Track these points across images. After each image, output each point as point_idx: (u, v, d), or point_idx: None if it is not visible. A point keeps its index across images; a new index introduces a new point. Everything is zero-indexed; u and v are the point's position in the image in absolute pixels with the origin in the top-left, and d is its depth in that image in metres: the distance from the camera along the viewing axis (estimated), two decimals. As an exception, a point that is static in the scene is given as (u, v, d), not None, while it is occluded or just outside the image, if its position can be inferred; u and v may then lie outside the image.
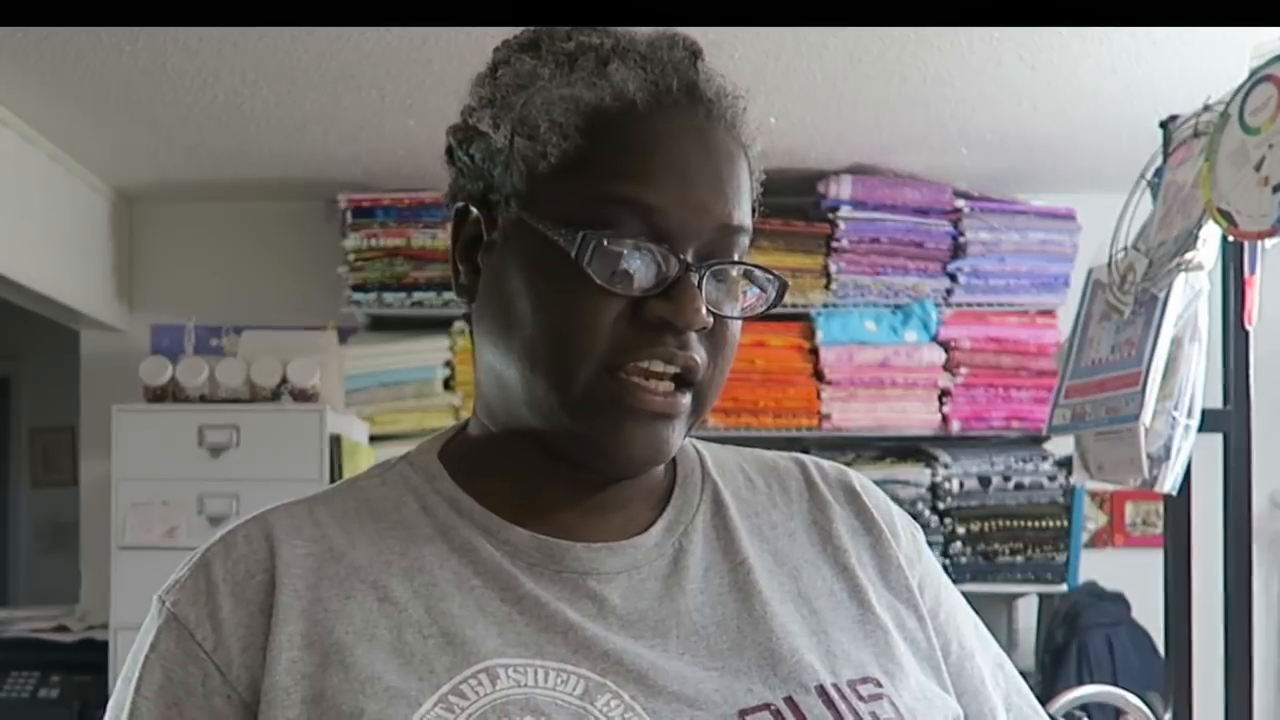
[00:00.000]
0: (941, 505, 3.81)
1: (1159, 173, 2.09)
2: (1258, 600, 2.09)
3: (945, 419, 3.88)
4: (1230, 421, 2.07)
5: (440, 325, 3.83)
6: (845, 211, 3.83)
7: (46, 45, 2.93)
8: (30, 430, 5.76)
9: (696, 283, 0.85)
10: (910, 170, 3.87)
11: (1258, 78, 1.83)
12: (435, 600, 0.85)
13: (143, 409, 3.54)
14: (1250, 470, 2.06)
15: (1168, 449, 1.98)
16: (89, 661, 3.63)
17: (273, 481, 3.19)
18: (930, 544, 1.13)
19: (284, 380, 3.54)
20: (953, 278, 3.90)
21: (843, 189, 3.83)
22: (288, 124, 3.48)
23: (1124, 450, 1.99)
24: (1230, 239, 1.97)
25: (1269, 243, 1.86)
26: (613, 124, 0.85)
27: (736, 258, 0.88)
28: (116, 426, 3.52)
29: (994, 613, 3.87)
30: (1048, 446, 3.87)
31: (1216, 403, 2.11)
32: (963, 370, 3.87)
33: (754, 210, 0.91)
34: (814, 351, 3.86)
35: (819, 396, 3.85)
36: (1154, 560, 2.32)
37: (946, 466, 3.81)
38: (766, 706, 0.84)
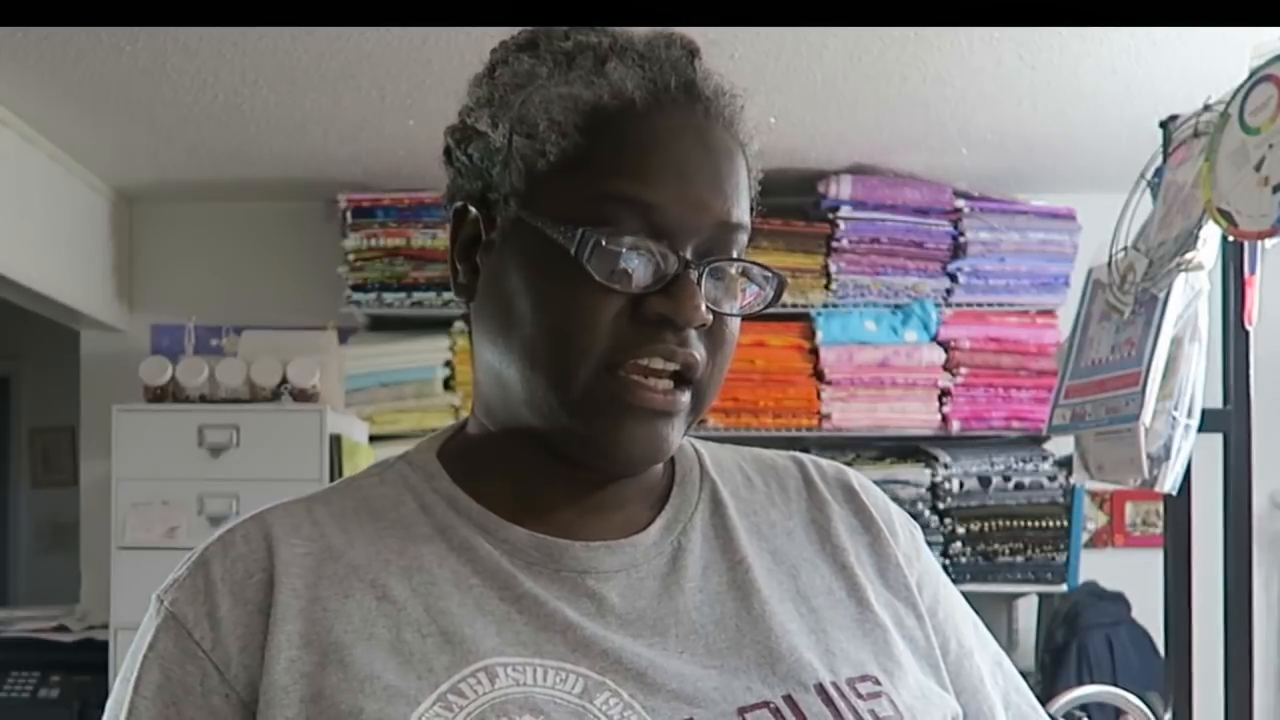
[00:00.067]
0: (941, 505, 3.81)
1: (1159, 173, 2.09)
2: (1258, 600, 2.09)
3: (945, 419, 3.89)
4: (1230, 421, 2.07)
5: (440, 325, 3.83)
6: (845, 211, 3.84)
7: (46, 45, 2.93)
8: (30, 430, 5.77)
9: (695, 280, 0.85)
10: (910, 170, 3.87)
11: (1258, 78, 1.83)
12: (434, 599, 0.85)
13: (143, 409, 3.54)
14: (1250, 470, 2.06)
15: (1168, 449, 1.98)
16: (89, 661, 3.63)
17: (273, 481, 3.19)
18: (930, 544, 1.13)
19: (284, 380, 3.54)
20: (953, 278, 3.90)
21: (843, 189, 3.84)
22: (288, 124, 3.48)
23: (1124, 450, 1.99)
24: (1230, 239, 1.97)
25: (1269, 243, 1.86)
26: (611, 122, 0.85)
27: (735, 255, 0.88)
28: (116, 426, 3.52)
29: (994, 613, 3.87)
30: (1048, 446, 3.87)
31: (1216, 403, 2.11)
32: (963, 370, 3.87)
33: (752, 208, 0.91)
34: (814, 351, 3.86)
35: (819, 396, 3.85)
36: (1154, 560, 2.32)
37: (946, 466, 3.81)
38: (765, 704, 0.84)
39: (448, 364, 3.84)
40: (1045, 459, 3.85)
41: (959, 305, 3.92)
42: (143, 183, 4.05)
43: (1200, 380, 1.99)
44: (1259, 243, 1.93)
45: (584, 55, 0.87)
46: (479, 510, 0.90)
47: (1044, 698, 1.26)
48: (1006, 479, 3.83)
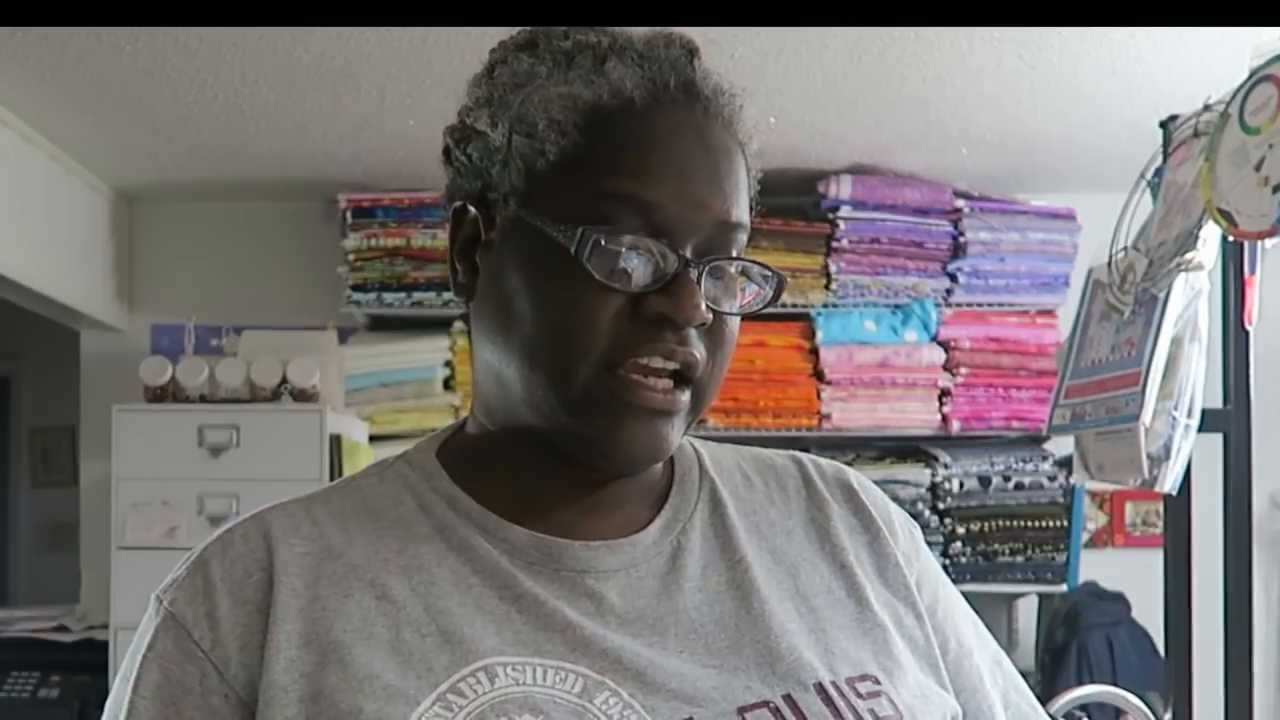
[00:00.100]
0: (941, 505, 3.81)
1: (1159, 173, 2.09)
2: (1258, 600, 2.09)
3: (945, 419, 3.88)
4: (1230, 421, 2.07)
5: (440, 325, 3.83)
6: (845, 211, 3.84)
7: (46, 45, 2.93)
8: (30, 430, 5.77)
9: (695, 279, 0.85)
10: (910, 170, 3.87)
11: (1258, 78, 1.83)
12: (433, 599, 0.85)
13: (143, 409, 3.54)
14: (1250, 470, 2.06)
15: (1168, 449, 1.98)
16: (89, 661, 3.63)
17: (273, 481, 3.19)
18: (930, 544, 1.13)
19: (284, 380, 3.54)
20: (953, 278, 3.90)
21: (843, 189, 3.83)
22: (288, 124, 3.48)
23: (1124, 450, 1.99)
24: (1230, 239, 1.97)
25: (1269, 243, 1.86)
26: (611, 121, 0.85)
27: (734, 255, 0.88)
28: (116, 426, 3.52)
29: (994, 613, 3.87)
30: (1048, 446, 3.87)
31: (1216, 403, 2.11)
32: (963, 370, 3.87)
33: (751, 208, 0.91)
34: (814, 351, 3.86)
35: (819, 396, 3.85)
36: (1154, 560, 2.32)
37: (946, 466, 3.81)
38: (765, 704, 0.84)
39: (448, 364, 3.84)
40: (1045, 459, 3.85)
41: (959, 305, 3.92)
42: (143, 183, 4.05)
43: (1200, 380, 1.99)
44: (1259, 243, 1.93)
45: (583, 55, 0.87)
46: (478, 510, 0.90)
47: (1044, 698, 1.26)
48: (1006, 479, 3.83)
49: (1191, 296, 1.98)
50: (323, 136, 3.58)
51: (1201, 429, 2.00)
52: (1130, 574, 3.74)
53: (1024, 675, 1.04)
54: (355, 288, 3.84)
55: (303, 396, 3.54)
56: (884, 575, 0.96)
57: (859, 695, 0.86)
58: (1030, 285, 3.93)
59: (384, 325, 3.93)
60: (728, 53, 2.85)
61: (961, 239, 3.88)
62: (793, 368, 3.85)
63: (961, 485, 3.81)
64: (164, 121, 3.47)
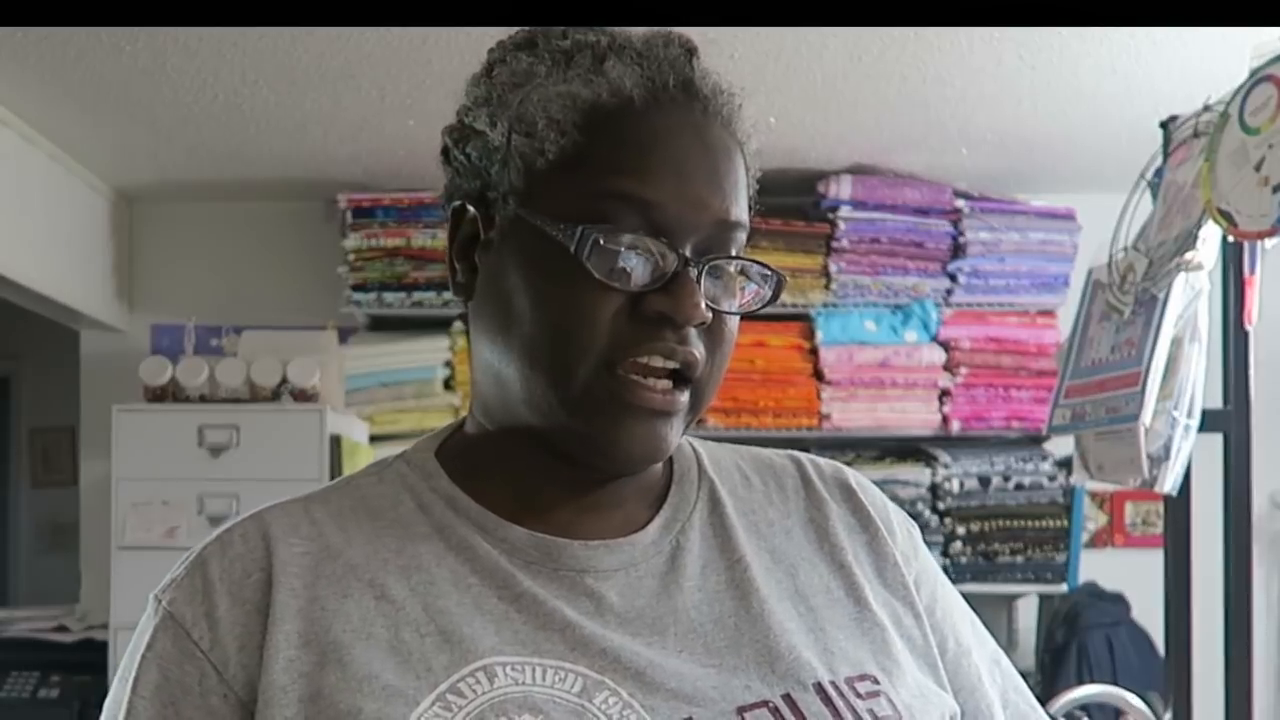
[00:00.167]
0: (941, 505, 3.81)
1: (1159, 173, 2.09)
2: (1258, 600, 2.09)
3: (945, 419, 3.88)
4: (1230, 421, 2.07)
5: (440, 325, 3.83)
6: (845, 211, 3.83)
7: (46, 45, 2.93)
8: (30, 430, 5.77)
9: (695, 278, 0.85)
10: (910, 170, 3.87)
11: (1258, 78, 1.83)
12: (432, 598, 0.85)
13: (143, 409, 3.54)
14: (1250, 470, 2.06)
15: (1168, 449, 1.98)
16: (89, 661, 3.64)
17: (273, 481, 3.19)
18: (930, 544, 1.13)
19: (284, 380, 3.54)
20: (953, 278, 3.90)
21: (843, 189, 3.83)
22: (288, 124, 3.48)
23: (1124, 450, 1.99)
24: (1230, 239, 1.97)
25: (1269, 243, 1.86)
26: (610, 120, 0.85)
27: (734, 254, 0.88)
28: (116, 426, 3.51)
29: (994, 613, 3.87)
30: (1048, 446, 3.87)
31: (1216, 403, 2.11)
32: (963, 370, 3.87)
33: (751, 207, 0.91)
34: (814, 351, 3.86)
35: (819, 396, 3.85)
36: (1154, 560, 2.32)
37: (946, 466, 3.81)
38: (765, 704, 0.84)
39: (448, 364, 3.84)
40: (1045, 459, 3.85)
41: (959, 305, 3.92)
42: (143, 183, 4.05)
43: (1200, 380, 2.00)
44: (1259, 243, 1.93)
45: (582, 54, 0.87)
46: (477, 509, 0.90)
47: (1044, 698, 1.26)
48: (1006, 479, 3.83)
49: (1191, 296, 1.98)
50: (323, 136, 3.58)
51: (1201, 429, 2.00)
52: (1130, 574, 3.74)
53: (1024, 675, 1.04)
54: (355, 288, 3.84)
55: (303, 396, 3.54)
56: (882, 575, 0.96)
57: (858, 695, 0.86)
58: (1030, 285, 3.93)
59: (384, 325, 3.93)
60: (728, 53, 2.85)
61: (961, 239, 3.88)
62: (793, 368, 3.85)
63: (961, 485, 3.81)
64: (164, 121, 3.47)
